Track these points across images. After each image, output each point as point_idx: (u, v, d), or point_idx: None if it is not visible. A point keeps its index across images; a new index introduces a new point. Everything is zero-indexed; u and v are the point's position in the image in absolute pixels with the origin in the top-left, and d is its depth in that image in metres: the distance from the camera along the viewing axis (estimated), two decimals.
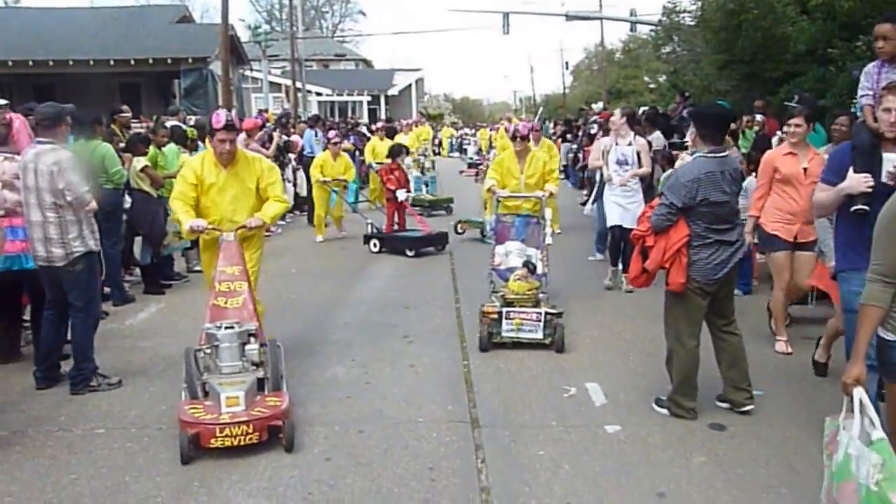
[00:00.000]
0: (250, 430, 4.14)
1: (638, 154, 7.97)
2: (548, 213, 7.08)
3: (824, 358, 5.36)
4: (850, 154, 3.97)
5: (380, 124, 20.08)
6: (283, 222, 12.60)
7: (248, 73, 28.77)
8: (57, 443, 4.44)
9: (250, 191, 5.37)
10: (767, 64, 12.10)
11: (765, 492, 3.78)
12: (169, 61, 21.51)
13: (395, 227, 11.19)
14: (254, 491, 3.82)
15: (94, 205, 5.21)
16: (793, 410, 4.78)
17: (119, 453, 4.28)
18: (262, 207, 5.34)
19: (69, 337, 5.53)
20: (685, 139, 8.98)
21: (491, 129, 28.91)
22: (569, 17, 30.46)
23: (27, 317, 6.17)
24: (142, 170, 8.04)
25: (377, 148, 14.65)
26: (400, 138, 16.02)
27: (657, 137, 10.14)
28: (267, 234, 6.24)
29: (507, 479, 3.93)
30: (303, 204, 13.78)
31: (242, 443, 4.13)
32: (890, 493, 2.67)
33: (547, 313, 6.03)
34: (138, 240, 8.41)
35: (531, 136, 8.21)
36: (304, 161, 13.80)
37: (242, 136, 9.98)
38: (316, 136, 15.42)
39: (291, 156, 13.79)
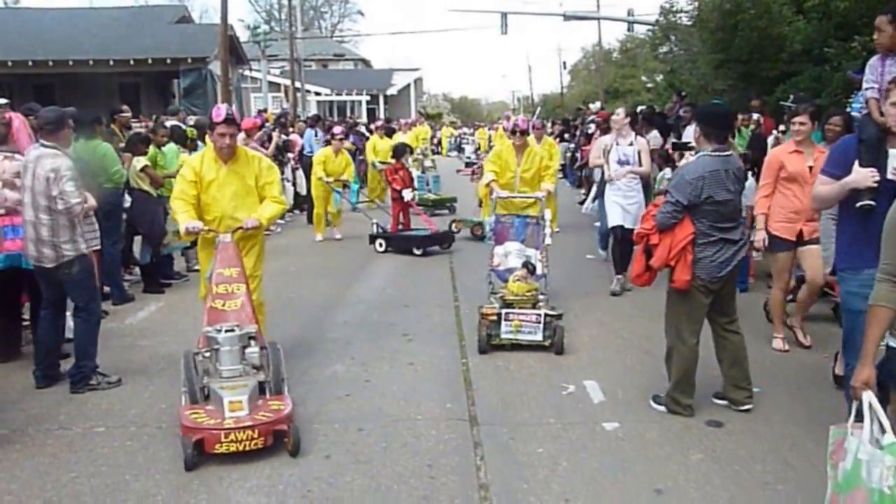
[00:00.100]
0: (255, 435, 4.08)
1: (638, 154, 7.99)
2: (547, 213, 7.05)
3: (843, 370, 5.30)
4: (856, 148, 3.85)
5: (379, 123, 20.08)
6: (282, 221, 12.57)
7: (247, 73, 28.74)
8: (57, 441, 4.45)
9: (250, 187, 5.31)
10: (763, 63, 12.11)
11: (761, 488, 3.80)
12: (168, 61, 21.53)
13: (400, 226, 11.20)
14: (253, 489, 3.84)
15: (93, 202, 5.21)
16: (790, 408, 4.80)
17: (119, 452, 4.29)
18: (259, 208, 5.26)
19: (69, 335, 5.54)
20: (685, 139, 8.98)
21: (489, 129, 28.95)
22: (567, 17, 30.55)
23: (27, 315, 6.19)
24: (141, 169, 8.06)
25: (378, 146, 14.67)
26: (399, 138, 16.03)
27: (654, 136, 10.20)
28: (266, 233, 6.24)
29: (505, 476, 3.95)
30: (302, 203, 13.78)
31: (248, 448, 4.07)
32: None
33: (546, 315, 5.95)
34: (138, 239, 8.42)
35: (532, 133, 8.23)
36: (304, 161, 13.78)
37: (242, 136, 9.96)
38: (316, 135, 15.42)
39: (290, 155, 13.78)
